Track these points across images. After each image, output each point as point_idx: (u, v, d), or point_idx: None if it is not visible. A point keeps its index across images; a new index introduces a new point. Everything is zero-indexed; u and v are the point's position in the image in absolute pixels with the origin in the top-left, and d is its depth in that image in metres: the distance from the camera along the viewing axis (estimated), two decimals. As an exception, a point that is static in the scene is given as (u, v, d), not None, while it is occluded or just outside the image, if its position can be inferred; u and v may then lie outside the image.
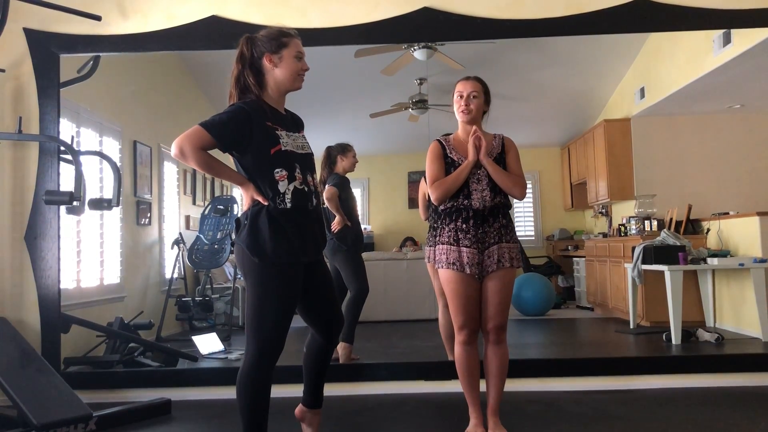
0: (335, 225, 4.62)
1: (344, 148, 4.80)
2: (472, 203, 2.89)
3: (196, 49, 4.13)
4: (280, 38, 2.48)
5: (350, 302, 4.62)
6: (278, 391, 3.75)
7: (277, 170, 2.41)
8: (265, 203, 2.39)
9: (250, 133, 2.39)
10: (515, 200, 3.01)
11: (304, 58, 2.53)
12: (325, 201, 4.61)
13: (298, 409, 2.81)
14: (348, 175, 4.83)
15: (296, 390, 3.78)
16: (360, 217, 5.11)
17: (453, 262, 2.87)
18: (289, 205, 2.41)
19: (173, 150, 2.34)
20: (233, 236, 2.48)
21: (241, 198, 2.53)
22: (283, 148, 2.43)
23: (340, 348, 4.50)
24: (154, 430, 3.28)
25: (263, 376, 2.40)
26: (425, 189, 4.35)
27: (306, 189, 2.47)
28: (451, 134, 3.09)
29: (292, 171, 2.44)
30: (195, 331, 5.97)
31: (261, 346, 2.38)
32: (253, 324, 2.38)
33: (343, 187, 4.70)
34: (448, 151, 2.99)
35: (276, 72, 2.48)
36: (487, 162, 2.92)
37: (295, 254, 2.41)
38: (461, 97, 2.98)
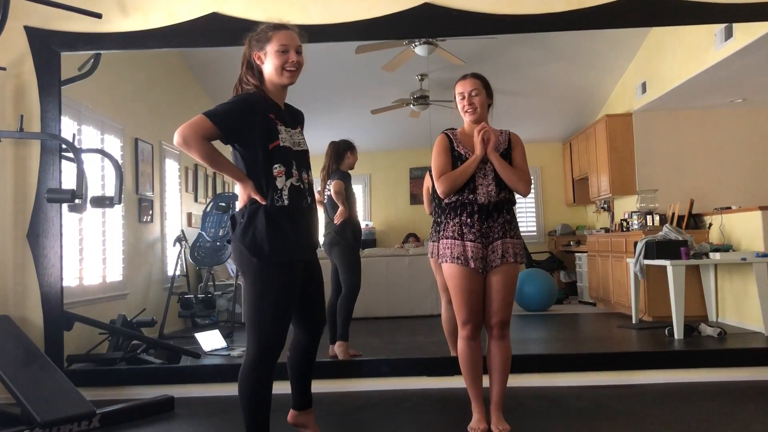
0: (337, 217, 4.62)
1: (352, 146, 4.83)
2: (478, 198, 2.89)
3: (197, 46, 4.13)
4: (265, 33, 2.47)
5: (343, 298, 4.62)
6: (280, 387, 3.76)
7: (275, 166, 2.39)
8: (263, 202, 2.37)
9: (253, 124, 2.38)
10: (518, 195, 3.01)
11: (297, 51, 2.48)
12: (333, 194, 4.64)
13: (291, 415, 2.75)
14: (349, 172, 4.84)
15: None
16: (362, 214, 5.12)
17: (457, 257, 2.87)
18: (286, 202, 2.40)
19: (176, 138, 2.31)
20: (231, 233, 2.46)
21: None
22: (281, 144, 2.42)
23: (337, 346, 4.52)
24: (157, 427, 3.29)
25: (265, 374, 2.40)
26: (430, 183, 4.35)
27: (302, 186, 2.47)
28: (456, 129, 3.08)
29: (290, 167, 2.43)
30: (197, 328, 5.97)
31: (261, 344, 2.38)
32: (252, 322, 2.38)
33: (346, 183, 4.71)
34: (455, 144, 2.98)
35: (264, 68, 2.48)
36: (494, 157, 2.92)
37: (292, 252, 2.41)
38: (463, 97, 2.97)
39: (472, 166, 2.90)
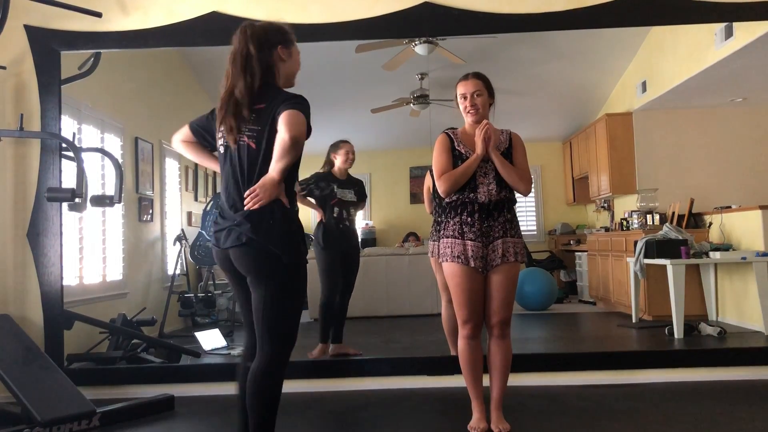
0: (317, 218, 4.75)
1: (336, 145, 4.82)
2: (478, 197, 2.89)
3: (197, 45, 4.13)
4: (289, 34, 2.45)
5: (319, 304, 4.71)
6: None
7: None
8: (288, 206, 2.34)
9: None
10: (518, 195, 3.01)
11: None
12: None
13: None
14: (350, 170, 4.85)
15: (299, 385, 3.79)
16: (362, 213, 5.11)
17: (458, 255, 2.87)
18: (298, 207, 2.45)
19: (292, 137, 2.17)
20: (248, 234, 2.29)
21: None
22: None
23: (318, 348, 4.57)
24: (157, 426, 3.29)
25: (283, 374, 2.39)
26: (430, 182, 4.35)
27: None
28: (457, 128, 3.08)
29: None
30: (197, 327, 5.97)
31: (285, 344, 2.37)
32: (279, 323, 2.34)
33: (309, 186, 4.74)
34: (455, 143, 2.98)
35: (285, 66, 2.43)
36: (495, 155, 2.92)
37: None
38: (465, 98, 2.97)
39: (474, 164, 2.90)
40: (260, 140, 2.30)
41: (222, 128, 2.37)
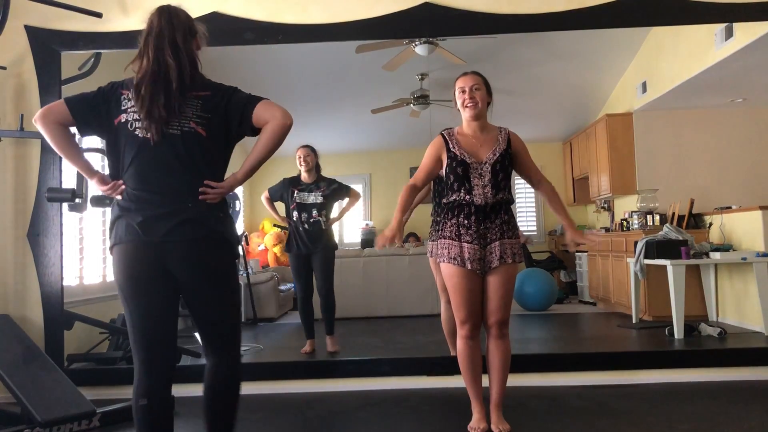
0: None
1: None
2: (474, 199, 2.88)
3: (197, 45, 4.12)
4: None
5: None
6: (277, 387, 3.77)
7: None
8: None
9: None
10: (517, 195, 3.01)
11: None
12: None
13: None
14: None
15: (299, 385, 3.79)
16: (362, 213, 5.12)
17: (454, 257, 2.87)
18: None
19: (291, 121, 2.14)
20: (211, 227, 2.13)
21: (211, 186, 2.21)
22: None
23: (307, 344, 4.70)
24: (157, 426, 3.29)
25: None
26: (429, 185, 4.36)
27: None
28: (454, 128, 3.07)
29: None
30: (198, 327, 5.95)
31: (240, 342, 2.34)
32: (237, 321, 2.29)
33: (276, 190, 4.89)
34: (450, 145, 2.97)
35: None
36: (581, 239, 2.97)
37: None
38: (463, 91, 2.96)
39: (397, 219, 2.96)
40: (210, 128, 2.15)
41: (142, 111, 2.14)
